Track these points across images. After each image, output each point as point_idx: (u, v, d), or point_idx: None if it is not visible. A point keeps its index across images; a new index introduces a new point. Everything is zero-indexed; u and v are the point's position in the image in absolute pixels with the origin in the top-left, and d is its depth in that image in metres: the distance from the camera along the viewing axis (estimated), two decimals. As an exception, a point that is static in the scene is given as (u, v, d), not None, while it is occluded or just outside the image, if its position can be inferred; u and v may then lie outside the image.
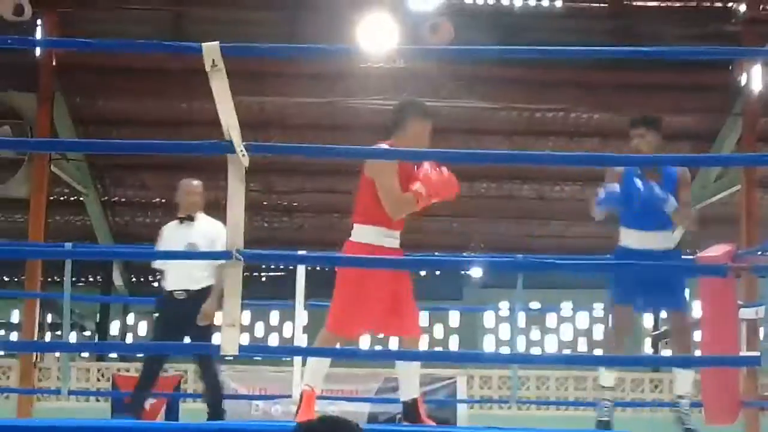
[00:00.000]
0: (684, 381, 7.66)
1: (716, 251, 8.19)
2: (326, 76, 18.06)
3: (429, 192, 6.34)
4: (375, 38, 15.82)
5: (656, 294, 7.38)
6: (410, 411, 6.52)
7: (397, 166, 6.40)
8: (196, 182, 9.50)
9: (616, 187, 7.13)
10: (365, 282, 6.45)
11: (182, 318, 8.60)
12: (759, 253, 8.73)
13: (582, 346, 24.60)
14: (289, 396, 9.29)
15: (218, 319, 6.34)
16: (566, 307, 21.19)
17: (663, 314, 23.21)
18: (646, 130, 7.26)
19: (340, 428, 2.56)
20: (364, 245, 6.46)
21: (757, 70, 16.91)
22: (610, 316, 7.65)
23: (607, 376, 7.83)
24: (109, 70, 18.00)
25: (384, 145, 6.48)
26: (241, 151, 4.80)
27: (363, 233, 6.51)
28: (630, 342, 7.77)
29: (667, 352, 23.24)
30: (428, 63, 17.38)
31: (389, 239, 6.53)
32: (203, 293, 8.67)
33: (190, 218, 9.20)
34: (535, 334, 25.11)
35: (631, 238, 7.46)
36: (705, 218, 20.99)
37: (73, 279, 12.57)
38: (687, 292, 7.72)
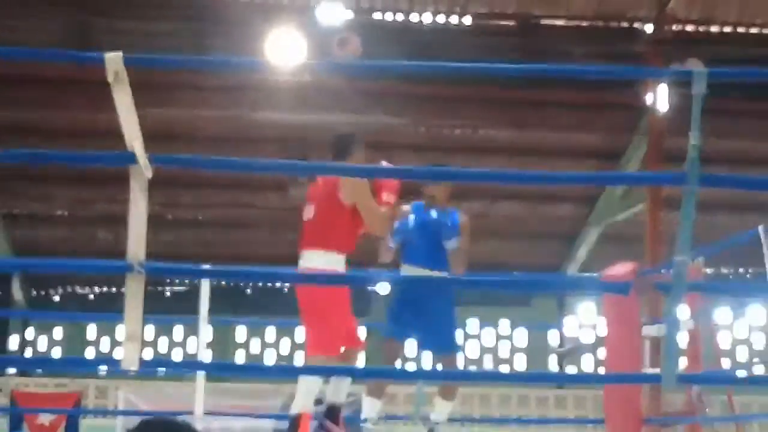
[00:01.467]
0: (444, 409, 7.83)
1: (620, 270, 8.26)
2: (233, 88, 17.98)
3: (393, 196, 6.74)
4: (282, 52, 15.75)
5: (427, 334, 7.57)
6: (292, 425, 6.64)
7: (369, 185, 6.64)
8: None
9: (407, 217, 7.41)
10: (347, 302, 6.72)
11: None
12: (662, 271, 8.81)
13: (488, 363, 24.67)
14: (191, 412, 9.15)
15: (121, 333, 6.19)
16: (472, 324, 21.27)
17: (567, 331, 23.49)
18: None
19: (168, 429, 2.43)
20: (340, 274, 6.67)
21: (662, 90, 17.10)
22: (383, 349, 7.76)
23: (371, 405, 7.77)
24: (11, 79, 17.72)
25: None
26: (144, 162, 4.72)
27: (337, 261, 6.67)
28: None
29: (572, 369, 23.44)
30: (335, 77, 17.35)
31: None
32: None
33: None
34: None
35: (410, 274, 7.56)
36: (609, 236, 21.28)
37: (-28, 292, 12.36)
38: (456, 333, 7.95)
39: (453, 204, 7.87)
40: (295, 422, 6.60)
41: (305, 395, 6.65)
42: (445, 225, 7.36)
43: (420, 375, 9.48)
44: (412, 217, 7.41)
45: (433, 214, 7.39)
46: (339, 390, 6.96)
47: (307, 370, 6.71)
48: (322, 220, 6.69)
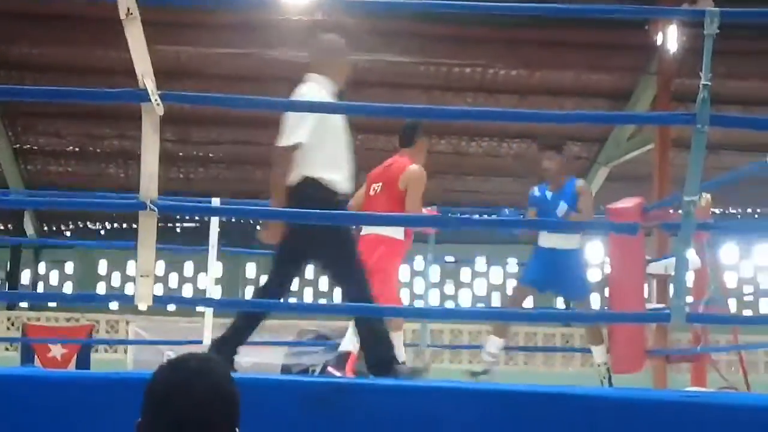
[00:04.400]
0: (599, 353, 8.73)
1: (626, 203, 8.41)
2: (245, 27, 17.91)
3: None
4: (294, -10, 15.69)
5: (559, 284, 8.83)
6: (339, 359, 7.46)
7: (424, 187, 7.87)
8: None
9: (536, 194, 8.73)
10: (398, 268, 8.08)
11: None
12: (670, 208, 8.91)
13: (495, 301, 24.79)
14: (200, 341, 9.25)
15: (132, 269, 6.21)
16: (480, 262, 21.35)
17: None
18: (554, 153, 8.75)
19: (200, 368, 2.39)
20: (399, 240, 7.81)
21: (672, 29, 17.03)
22: (512, 289, 9.36)
23: (493, 343, 8.85)
24: (22, 17, 17.71)
25: (406, 160, 7.99)
26: (156, 100, 4.76)
27: (396, 230, 7.80)
28: None
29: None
30: (347, 16, 17.29)
31: None
32: None
33: None
34: (449, 288, 25.22)
35: (542, 238, 8.67)
36: (618, 176, 21.30)
37: (-16, 227, 12.35)
38: (586, 283, 9.00)
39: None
40: (342, 358, 7.36)
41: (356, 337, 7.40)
42: (556, 204, 8.49)
43: (430, 313, 9.58)
44: (537, 194, 8.70)
45: (548, 195, 8.58)
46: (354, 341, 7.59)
47: (315, 308, 6.90)
48: (387, 197, 7.80)
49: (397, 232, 7.78)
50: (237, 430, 2.33)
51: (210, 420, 2.27)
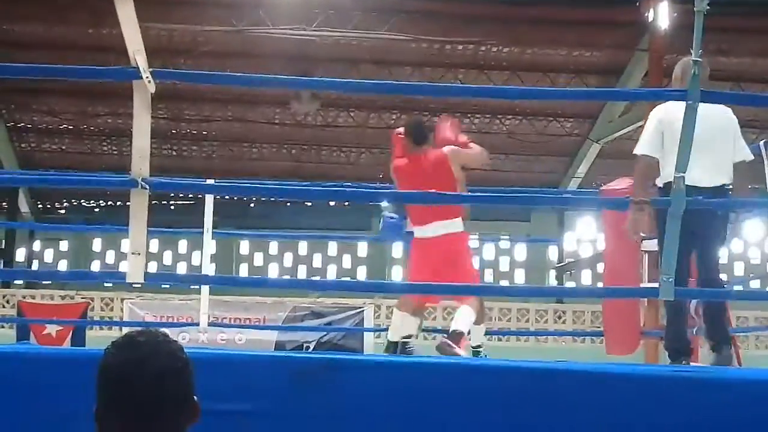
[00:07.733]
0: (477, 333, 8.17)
1: (619, 184, 8.36)
2: (237, 4, 17.89)
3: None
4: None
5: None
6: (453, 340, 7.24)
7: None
8: None
9: None
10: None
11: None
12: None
13: (488, 277, 24.81)
14: (197, 324, 9.27)
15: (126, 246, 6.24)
16: (472, 239, 21.34)
17: (566, 246, 23.58)
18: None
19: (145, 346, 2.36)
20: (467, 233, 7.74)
21: (663, 6, 17.04)
22: None
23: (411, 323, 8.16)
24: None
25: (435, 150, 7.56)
26: (147, 77, 4.76)
27: (462, 225, 7.61)
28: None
29: (570, 284, 23.62)
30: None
31: None
32: None
33: None
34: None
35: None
36: (610, 153, 21.32)
37: (-22, 205, 12.30)
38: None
39: None
40: (455, 337, 7.19)
41: (467, 317, 7.38)
42: None
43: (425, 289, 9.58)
44: None
45: None
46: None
47: (315, 284, 6.94)
48: (443, 188, 7.12)
49: (462, 225, 7.59)
50: (195, 398, 2.31)
51: (167, 393, 2.25)
